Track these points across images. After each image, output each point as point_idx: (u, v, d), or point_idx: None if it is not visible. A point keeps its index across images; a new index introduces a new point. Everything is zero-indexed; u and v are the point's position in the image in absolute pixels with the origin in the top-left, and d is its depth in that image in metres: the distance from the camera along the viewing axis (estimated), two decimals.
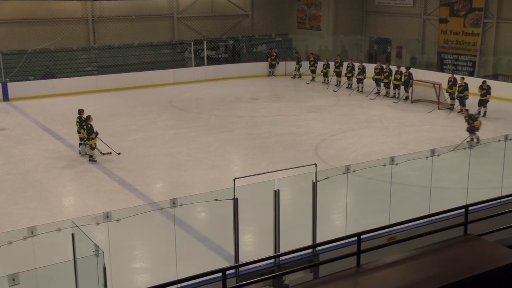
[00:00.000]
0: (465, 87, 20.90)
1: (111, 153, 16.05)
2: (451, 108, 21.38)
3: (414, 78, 23.27)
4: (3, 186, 14.07)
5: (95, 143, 15.82)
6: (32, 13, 25.60)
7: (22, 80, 24.08)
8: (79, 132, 16.22)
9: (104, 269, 6.87)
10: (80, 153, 16.22)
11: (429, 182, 10.83)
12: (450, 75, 22.27)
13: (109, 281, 7.07)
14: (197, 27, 29.75)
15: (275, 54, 28.94)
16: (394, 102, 22.63)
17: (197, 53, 28.39)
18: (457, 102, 21.24)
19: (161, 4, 29.03)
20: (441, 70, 26.52)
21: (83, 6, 27.09)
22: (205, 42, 28.03)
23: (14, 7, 25.40)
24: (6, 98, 23.32)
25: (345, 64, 25.78)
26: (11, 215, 12.36)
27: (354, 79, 25.14)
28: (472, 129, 16.94)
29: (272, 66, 28.80)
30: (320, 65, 27.03)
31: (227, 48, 30.34)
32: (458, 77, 21.78)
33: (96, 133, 15.80)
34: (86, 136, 15.80)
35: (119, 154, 16.06)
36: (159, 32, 28.72)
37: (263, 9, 31.57)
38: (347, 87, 25.51)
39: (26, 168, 15.36)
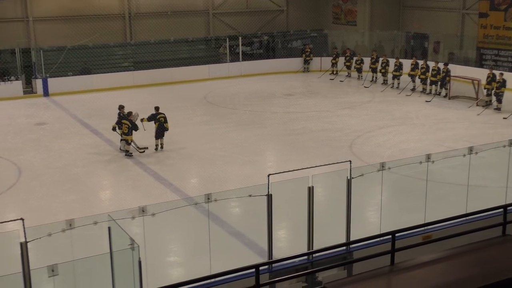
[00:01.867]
0: (502, 84, 20.38)
1: (147, 148, 16.28)
2: (488, 104, 20.89)
3: (452, 74, 22.82)
4: (43, 179, 14.45)
5: (131, 139, 16.05)
6: (73, 10, 26.16)
7: (61, 76, 24.66)
8: (120, 128, 16.27)
9: (140, 262, 6.98)
10: (120, 149, 16.35)
11: (466, 180, 10.62)
12: (489, 71, 21.79)
13: (144, 274, 7.17)
14: (232, 23, 29.83)
15: (309, 50, 28.80)
16: (427, 101, 22.12)
17: (232, 49, 28.48)
18: (494, 99, 20.77)
19: (196, 0, 29.23)
20: (481, 65, 25.89)
21: (120, 2, 27.53)
22: (240, 38, 28.11)
23: (58, 5, 26.05)
24: (46, 93, 23.93)
25: (381, 60, 25.49)
26: (50, 207, 12.69)
27: (390, 75, 24.80)
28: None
29: (306, 62, 28.66)
30: (354, 60, 26.79)
31: (262, 43, 30.33)
32: (497, 72, 21.27)
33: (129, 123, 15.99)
34: (126, 132, 15.96)
35: (146, 149, 16.21)
36: (194, 28, 28.93)
37: (298, 4, 31.45)
38: (382, 83, 25.21)
39: (65, 162, 15.72)
